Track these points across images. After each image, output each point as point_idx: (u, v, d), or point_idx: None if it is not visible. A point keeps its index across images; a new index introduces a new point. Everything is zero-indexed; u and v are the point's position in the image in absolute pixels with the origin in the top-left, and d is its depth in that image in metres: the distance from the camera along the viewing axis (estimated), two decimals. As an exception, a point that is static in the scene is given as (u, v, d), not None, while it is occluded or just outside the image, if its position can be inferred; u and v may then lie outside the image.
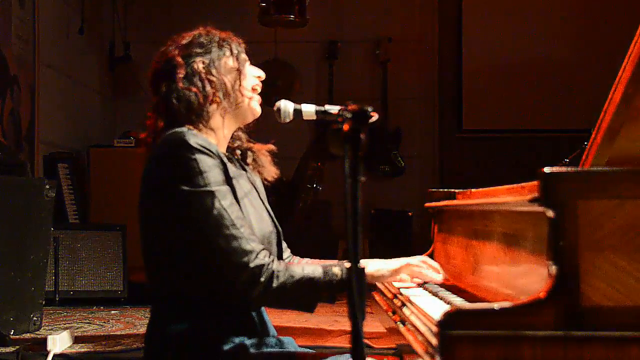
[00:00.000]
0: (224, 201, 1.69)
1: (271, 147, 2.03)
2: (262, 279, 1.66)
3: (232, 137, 1.97)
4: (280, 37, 6.63)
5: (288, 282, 1.69)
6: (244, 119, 1.94)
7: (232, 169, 1.80)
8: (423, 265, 1.99)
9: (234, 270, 1.66)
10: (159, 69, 1.89)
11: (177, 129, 1.75)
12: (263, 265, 1.67)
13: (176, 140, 1.72)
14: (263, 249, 1.70)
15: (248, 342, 1.75)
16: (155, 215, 1.75)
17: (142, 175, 1.79)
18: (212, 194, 1.68)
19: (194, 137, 1.72)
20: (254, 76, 1.93)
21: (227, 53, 1.88)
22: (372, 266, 1.91)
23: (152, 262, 1.80)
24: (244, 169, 1.98)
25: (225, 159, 1.76)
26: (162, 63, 1.88)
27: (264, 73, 1.95)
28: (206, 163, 1.69)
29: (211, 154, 1.71)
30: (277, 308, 1.82)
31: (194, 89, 1.81)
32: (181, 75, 1.83)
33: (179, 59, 1.85)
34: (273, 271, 1.68)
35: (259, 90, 1.94)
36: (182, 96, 1.81)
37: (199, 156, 1.69)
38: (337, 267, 1.73)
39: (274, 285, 1.67)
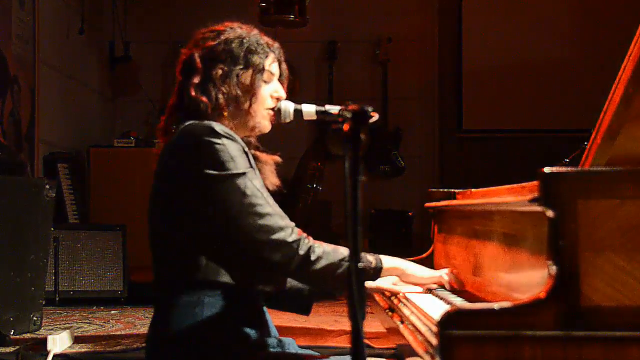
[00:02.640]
0: (255, 181, 1.73)
1: (277, 158, 2.03)
2: (301, 252, 1.70)
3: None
4: (280, 37, 6.60)
5: (324, 256, 1.72)
6: (248, 133, 1.94)
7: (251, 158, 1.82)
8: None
9: (272, 246, 1.69)
10: (183, 62, 1.88)
11: (197, 120, 1.77)
12: (300, 239, 1.71)
13: (201, 127, 1.74)
14: (296, 225, 1.74)
15: (249, 342, 1.75)
16: (175, 203, 1.75)
17: (159, 163, 1.80)
18: (244, 175, 1.71)
19: (219, 125, 1.74)
20: (272, 96, 1.90)
21: (250, 70, 1.85)
22: (409, 267, 1.93)
23: (163, 257, 1.80)
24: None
25: (246, 147, 1.78)
26: (187, 57, 1.87)
27: (284, 93, 1.93)
28: (233, 148, 1.72)
29: (236, 140, 1.74)
30: (310, 284, 1.82)
31: (203, 99, 1.80)
32: (195, 81, 1.82)
33: (198, 62, 1.83)
34: (310, 245, 1.71)
35: (272, 112, 1.91)
36: (191, 101, 1.81)
37: (226, 141, 1.72)
38: (372, 256, 1.77)
39: (312, 258, 1.71)
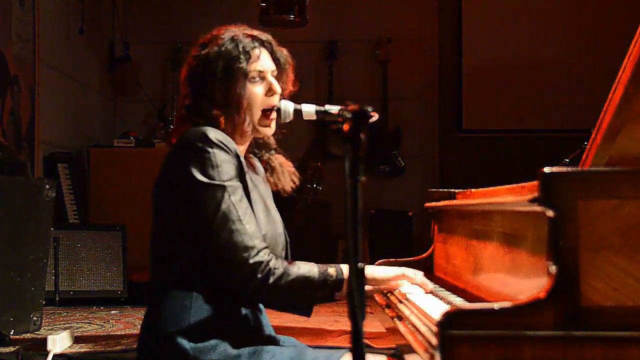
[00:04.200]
0: (233, 196, 1.73)
1: (291, 167, 2.05)
2: (259, 276, 1.70)
3: (258, 144, 1.98)
4: (280, 37, 6.60)
5: (283, 280, 1.72)
6: (253, 134, 1.93)
7: (246, 167, 1.82)
8: (417, 279, 1.95)
9: (233, 265, 1.70)
10: (180, 82, 1.92)
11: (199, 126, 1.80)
12: (262, 262, 1.70)
13: (197, 133, 1.76)
14: (265, 247, 1.73)
15: (239, 333, 1.76)
16: (168, 202, 1.79)
17: (161, 165, 1.83)
18: (223, 187, 1.72)
19: (215, 132, 1.76)
20: (267, 94, 1.88)
21: (233, 80, 1.84)
22: (367, 271, 1.92)
23: (159, 251, 1.82)
24: (260, 171, 2.00)
25: (241, 157, 1.79)
26: (182, 76, 1.90)
27: (278, 87, 1.90)
28: (221, 157, 1.74)
29: (228, 149, 1.75)
30: (272, 307, 1.83)
31: (198, 119, 1.83)
32: (187, 102, 1.86)
33: (186, 84, 1.86)
34: (270, 269, 1.71)
35: (272, 114, 1.89)
36: (189, 121, 1.84)
37: (215, 150, 1.74)
38: (333, 268, 1.76)
39: (270, 282, 1.70)
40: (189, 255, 1.76)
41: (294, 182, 2.03)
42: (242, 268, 1.69)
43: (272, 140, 2.01)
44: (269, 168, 2.02)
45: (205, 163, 1.72)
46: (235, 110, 1.84)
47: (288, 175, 2.02)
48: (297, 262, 1.87)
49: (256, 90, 1.86)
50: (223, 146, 1.74)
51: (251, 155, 2.02)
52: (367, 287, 1.93)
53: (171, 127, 2.00)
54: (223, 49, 1.85)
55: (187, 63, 1.89)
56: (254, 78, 1.86)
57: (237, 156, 1.77)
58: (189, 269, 1.76)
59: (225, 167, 1.73)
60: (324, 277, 1.75)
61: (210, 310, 1.74)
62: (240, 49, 1.85)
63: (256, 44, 1.88)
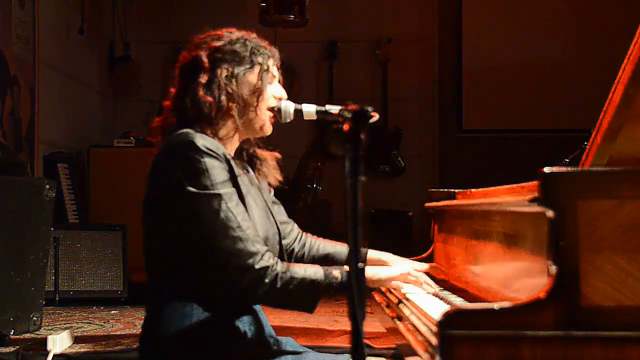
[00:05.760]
0: (230, 203, 1.72)
1: (277, 155, 2.04)
2: (267, 280, 1.70)
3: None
4: (280, 37, 6.62)
5: (291, 283, 1.72)
6: (253, 134, 1.94)
7: (237, 170, 1.81)
8: (420, 278, 1.96)
9: (239, 272, 1.70)
10: (185, 64, 1.88)
11: (185, 130, 1.77)
12: (268, 267, 1.71)
13: (184, 141, 1.74)
14: (267, 251, 1.73)
15: (240, 339, 1.76)
16: (161, 214, 1.77)
17: (148, 173, 1.80)
18: (219, 196, 1.71)
19: (202, 139, 1.74)
20: (274, 96, 1.91)
21: (256, 69, 1.87)
22: (370, 271, 1.92)
23: (153, 261, 1.82)
24: (249, 170, 2.00)
25: (231, 161, 1.78)
26: (189, 59, 1.87)
27: (285, 94, 1.94)
28: (213, 165, 1.72)
29: (217, 156, 1.74)
30: (279, 308, 1.83)
31: (209, 99, 1.80)
32: (202, 81, 1.82)
33: (205, 62, 1.83)
34: (277, 273, 1.72)
35: (273, 112, 1.92)
36: (196, 102, 1.81)
37: (206, 159, 1.72)
38: (337, 270, 1.77)
39: (278, 286, 1.71)
40: (189, 266, 1.75)
41: (279, 176, 2.03)
42: (250, 274, 1.69)
43: (253, 140, 2.02)
44: (256, 161, 2.02)
45: (197, 173, 1.70)
46: (253, 98, 1.85)
47: (273, 168, 2.03)
48: (301, 264, 1.87)
49: (269, 88, 1.90)
50: (212, 153, 1.73)
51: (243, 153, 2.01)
52: (372, 286, 1.98)
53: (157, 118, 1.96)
54: (249, 40, 1.89)
55: (206, 45, 1.86)
56: (269, 78, 1.90)
57: (227, 161, 1.76)
58: (189, 279, 1.76)
59: (218, 174, 1.72)
60: (329, 280, 1.76)
61: (211, 318, 1.74)
62: (264, 47, 1.91)
63: (273, 51, 1.94)
